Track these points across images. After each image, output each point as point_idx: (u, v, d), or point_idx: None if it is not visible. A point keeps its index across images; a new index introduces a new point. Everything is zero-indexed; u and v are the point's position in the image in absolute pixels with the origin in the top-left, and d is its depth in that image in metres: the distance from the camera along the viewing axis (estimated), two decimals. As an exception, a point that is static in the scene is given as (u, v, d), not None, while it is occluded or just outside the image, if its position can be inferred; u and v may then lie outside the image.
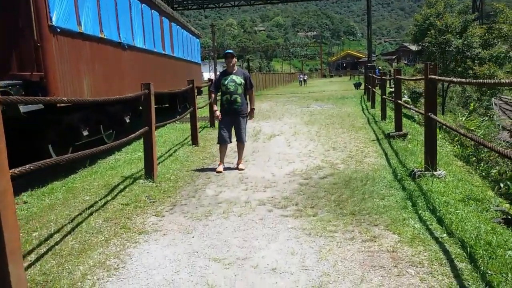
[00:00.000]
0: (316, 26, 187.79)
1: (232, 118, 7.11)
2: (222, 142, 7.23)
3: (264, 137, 10.54)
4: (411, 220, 4.35)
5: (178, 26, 16.46)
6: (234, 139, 7.33)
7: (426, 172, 5.85)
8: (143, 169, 6.75)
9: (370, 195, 5.27)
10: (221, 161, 7.30)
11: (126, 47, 9.86)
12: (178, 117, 10.15)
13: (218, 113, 7.19)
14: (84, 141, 7.88)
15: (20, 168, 3.25)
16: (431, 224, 4.22)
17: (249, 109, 7.20)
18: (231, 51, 7.34)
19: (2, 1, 6.08)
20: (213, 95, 7.45)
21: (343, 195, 5.33)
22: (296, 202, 5.19)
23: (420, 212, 4.57)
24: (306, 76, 60.24)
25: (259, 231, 4.30)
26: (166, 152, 9.06)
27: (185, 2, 40.37)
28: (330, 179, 6.18)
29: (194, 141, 10.01)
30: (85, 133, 7.72)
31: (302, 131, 11.20)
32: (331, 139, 9.74)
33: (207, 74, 62.45)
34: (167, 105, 17.11)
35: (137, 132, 6.42)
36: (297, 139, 10.06)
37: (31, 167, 3.43)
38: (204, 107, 13.69)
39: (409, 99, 20.62)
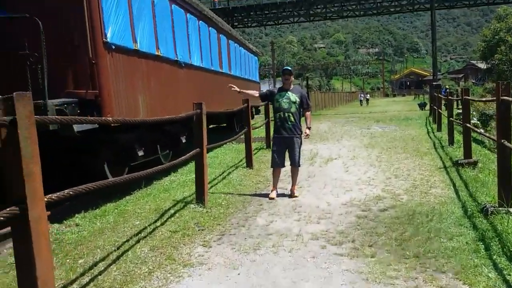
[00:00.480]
0: (378, 43, 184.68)
1: (285, 139, 6.83)
2: (275, 165, 6.95)
3: (321, 161, 10.14)
4: (485, 268, 3.81)
5: (236, 44, 16.51)
6: (288, 162, 7.02)
7: (500, 209, 5.20)
8: (195, 193, 6.59)
9: (436, 234, 4.74)
10: (274, 187, 7.00)
11: (183, 65, 9.88)
12: (233, 137, 10.01)
13: (236, 88, 7.53)
14: (140, 161, 7.87)
15: (58, 193, 3.12)
16: (509, 275, 3.66)
17: (304, 128, 6.90)
18: (289, 68, 7.13)
19: (58, 17, 6.19)
20: (256, 94, 7.68)
21: (405, 233, 4.84)
22: (352, 238, 4.76)
23: (494, 257, 4.00)
24: (368, 95, 58.94)
25: (310, 272, 3.92)
26: (220, 175, 8.90)
27: (245, 20, 40.94)
28: (391, 212, 5.68)
29: (249, 163, 9.80)
30: (141, 153, 7.71)
31: (362, 155, 10.68)
32: (393, 165, 9.16)
33: (265, 92, 62.41)
34: (225, 124, 17.15)
35: (187, 155, 6.28)
36: (355, 164, 9.57)
37: (70, 192, 3.30)
38: (261, 127, 13.51)
39: (478, 122, 19.38)
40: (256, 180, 8.47)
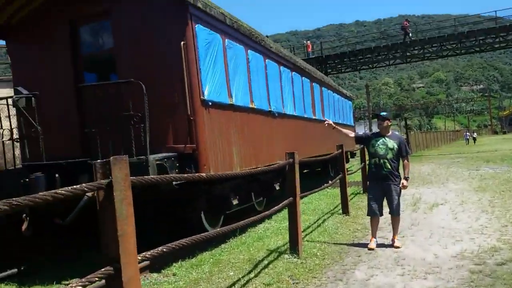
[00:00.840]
0: (482, 79, 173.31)
1: (382, 186, 6.45)
2: (372, 214, 6.56)
3: (425, 207, 9.42)
4: None
5: (329, 91, 16.48)
6: (386, 209, 6.59)
7: None
8: (289, 243, 6.42)
9: None
10: (373, 236, 6.57)
11: (276, 114, 9.99)
12: (328, 183, 9.76)
13: (331, 122, 7.43)
14: (234, 209, 7.94)
15: (151, 251, 3.17)
16: None
17: (402, 178, 6.45)
18: (384, 113, 6.81)
19: (161, 80, 6.60)
20: (351, 134, 7.44)
21: (531, 292, 4.18)
22: (466, 297, 4.22)
23: None
24: (475, 134, 54.98)
25: (417, 337, 3.50)
26: (315, 222, 8.64)
27: (338, 66, 41.02)
28: (511, 267, 4.99)
29: (345, 209, 9.43)
30: (235, 201, 7.79)
31: (471, 200, 9.75)
32: (509, 211, 8.20)
33: (362, 135, 61.09)
34: (319, 169, 16.91)
35: (280, 204, 6.18)
36: (465, 209, 8.73)
37: (164, 249, 3.34)
38: (357, 171, 13.07)
39: None
40: (353, 228, 8.08)
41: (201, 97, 6.65)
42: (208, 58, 6.96)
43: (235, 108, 7.81)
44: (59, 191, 2.60)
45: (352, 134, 7.39)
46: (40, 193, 2.53)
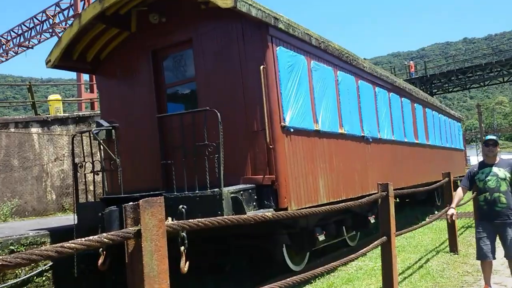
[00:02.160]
0: None
1: (495, 224, 5.20)
2: (482, 258, 5.32)
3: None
4: None
5: (434, 112, 14.90)
6: (500, 252, 5.31)
7: None
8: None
9: None
10: (487, 283, 5.32)
11: (371, 140, 9.00)
12: (433, 214, 8.48)
13: (452, 211, 5.62)
14: (319, 246, 7.10)
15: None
16: None
17: None
18: (493, 137, 5.54)
19: (239, 106, 6.12)
20: (461, 192, 5.66)
21: None
22: None
23: None
24: None
25: None
26: (416, 262, 7.44)
27: (445, 86, 37.94)
28: None
29: (453, 247, 8.06)
30: (322, 237, 6.95)
31: None
32: None
33: (475, 159, 56.15)
34: (423, 197, 15.24)
35: (371, 245, 5.25)
36: None
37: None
38: (468, 202, 11.39)
39: None
40: (462, 270, 6.76)
41: (282, 123, 6.02)
42: (291, 82, 6.34)
43: (321, 134, 7.05)
44: (70, 244, 2.09)
45: (461, 192, 5.72)
46: (52, 246, 2.05)
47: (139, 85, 6.92)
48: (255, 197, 5.85)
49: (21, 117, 11.42)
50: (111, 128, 5.80)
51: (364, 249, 5.16)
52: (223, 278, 7.14)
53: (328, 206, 4.56)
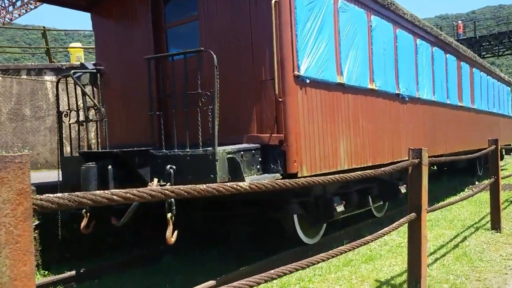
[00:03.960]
0: None
1: None
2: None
3: None
4: None
5: (482, 73, 13.17)
6: None
7: None
8: (407, 275, 4.42)
9: None
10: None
11: (407, 99, 7.70)
12: (474, 184, 7.25)
13: None
14: (338, 217, 6.06)
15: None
16: None
17: None
18: None
19: (245, 50, 5.02)
20: None
21: None
22: None
23: None
24: None
25: None
26: (451, 240, 6.32)
27: (495, 49, 34.77)
28: None
29: (495, 223, 6.85)
30: (340, 208, 5.89)
31: None
32: None
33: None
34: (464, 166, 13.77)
35: (395, 223, 4.18)
36: None
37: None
38: (513, 174, 9.98)
39: None
40: (506, 252, 5.64)
41: (296, 72, 4.88)
42: (310, 22, 5.13)
43: (346, 88, 5.86)
44: None
45: None
46: None
47: (137, 25, 5.88)
48: (260, 159, 4.84)
49: (33, 64, 10.74)
50: (95, 71, 4.87)
51: (388, 227, 4.11)
52: (226, 248, 6.28)
53: (346, 174, 3.47)
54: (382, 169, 3.97)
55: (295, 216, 5.71)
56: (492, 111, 14.37)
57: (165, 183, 4.40)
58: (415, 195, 4.38)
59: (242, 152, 4.60)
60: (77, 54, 12.64)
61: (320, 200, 5.83)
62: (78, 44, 13.53)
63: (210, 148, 4.26)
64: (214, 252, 6.16)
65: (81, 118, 5.32)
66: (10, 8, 25.27)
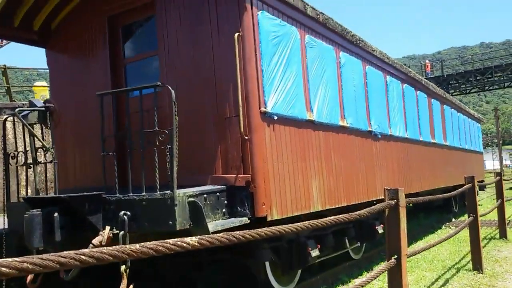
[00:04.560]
0: None
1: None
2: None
3: None
4: None
5: (452, 109, 13.29)
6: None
7: None
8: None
9: None
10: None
11: (379, 136, 7.51)
12: (451, 232, 7.00)
13: None
14: (313, 262, 5.64)
15: None
16: None
17: None
18: None
19: (208, 86, 4.72)
20: None
21: None
22: None
23: None
24: None
25: None
26: (432, 284, 5.97)
27: (462, 87, 35.88)
28: None
29: (476, 264, 6.56)
30: (315, 252, 5.49)
31: None
32: None
33: (490, 163, 53.88)
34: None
35: (375, 271, 3.81)
36: None
37: None
38: (492, 211, 9.79)
39: None
40: (490, 296, 5.31)
41: (262, 108, 4.59)
42: (277, 57, 4.90)
43: (316, 125, 5.60)
44: None
45: None
46: None
47: (93, 60, 5.54)
48: (225, 202, 4.44)
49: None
50: (43, 109, 4.46)
51: (366, 277, 3.74)
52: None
53: (319, 220, 3.12)
54: (358, 212, 3.65)
55: (266, 263, 5.27)
56: (464, 148, 14.43)
57: (118, 231, 3.94)
58: (393, 239, 4.05)
59: (205, 195, 4.20)
60: (42, 93, 12.16)
61: (294, 244, 5.43)
62: (43, 83, 13.09)
63: (169, 191, 3.85)
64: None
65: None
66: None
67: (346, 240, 7.02)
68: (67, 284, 4.74)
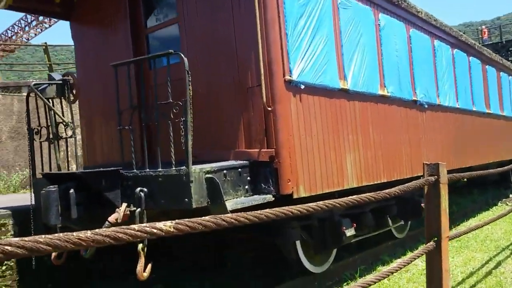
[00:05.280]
0: None
1: None
2: None
3: None
4: None
5: (510, 77, 12.09)
6: None
7: None
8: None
9: None
10: None
11: (426, 106, 6.84)
12: (507, 204, 6.31)
13: None
14: (348, 242, 5.23)
15: None
16: None
17: None
18: None
19: (227, 53, 4.34)
20: None
21: None
22: None
23: None
24: None
25: None
26: (483, 266, 5.41)
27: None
28: None
29: (536, 245, 5.92)
30: (350, 232, 5.06)
31: None
32: None
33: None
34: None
35: (408, 255, 3.36)
36: None
37: None
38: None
39: None
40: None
41: (287, 77, 4.16)
42: (304, 20, 4.42)
43: (351, 95, 5.09)
44: None
45: None
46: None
47: (116, 32, 5.30)
48: (248, 178, 4.11)
49: (33, 80, 10.39)
50: (61, 83, 4.29)
51: (398, 262, 3.30)
52: (225, 277, 5.53)
53: (351, 197, 2.74)
54: (393, 189, 3.19)
55: (297, 242, 4.93)
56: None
57: (135, 209, 3.73)
58: (432, 220, 3.57)
59: (225, 171, 3.88)
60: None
61: (327, 223, 5.04)
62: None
63: (184, 167, 3.57)
64: (210, 281, 5.41)
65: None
66: (27, 28, 25.74)
67: (388, 219, 6.54)
68: (88, 260, 4.66)
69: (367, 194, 2.87)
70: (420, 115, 6.70)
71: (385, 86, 5.76)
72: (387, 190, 3.10)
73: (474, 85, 9.05)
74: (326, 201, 2.52)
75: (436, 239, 3.50)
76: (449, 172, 3.80)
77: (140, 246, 3.62)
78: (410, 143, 6.37)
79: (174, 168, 3.62)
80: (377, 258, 6.22)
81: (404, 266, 3.35)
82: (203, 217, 1.78)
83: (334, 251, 5.45)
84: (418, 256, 3.47)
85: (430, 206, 3.55)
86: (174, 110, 3.66)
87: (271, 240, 4.90)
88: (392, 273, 3.26)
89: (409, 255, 3.37)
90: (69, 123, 4.30)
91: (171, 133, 3.64)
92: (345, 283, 5.24)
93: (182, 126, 3.59)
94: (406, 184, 3.32)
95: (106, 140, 5.38)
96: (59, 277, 5.43)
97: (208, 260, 5.69)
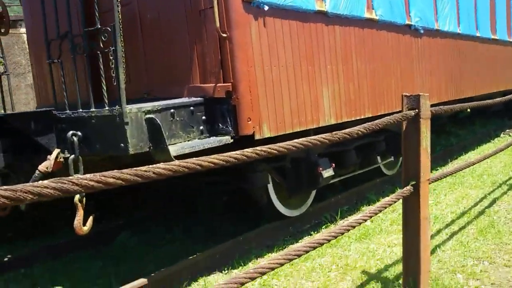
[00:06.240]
0: None
1: None
2: None
3: None
4: None
5: (522, -1, 10.92)
6: None
7: None
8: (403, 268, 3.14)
9: None
10: None
11: (422, 31, 6.03)
12: (509, 135, 5.71)
13: None
14: (326, 183, 4.70)
15: None
16: None
17: None
18: None
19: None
20: None
21: None
22: None
23: None
24: None
25: None
26: (476, 204, 4.94)
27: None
28: None
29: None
30: (327, 173, 4.52)
31: None
32: None
33: None
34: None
35: (389, 198, 2.82)
36: None
37: None
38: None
39: None
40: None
41: (245, -5, 3.41)
42: None
43: (330, 19, 4.31)
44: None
45: None
46: None
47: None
48: (204, 118, 3.51)
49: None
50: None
51: (369, 210, 2.77)
52: (194, 222, 5.12)
53: (323, 135, 2.16)
54: (362, 126, 2.58)
55: (269, 186, 4.43)
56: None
57: (69, 156, 3.19)
58: (410, 161, 2.98)
59: (172, 110, 3.27)
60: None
61: (302, 164, 4.49)
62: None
63: (116, 107, 2.97)
64: (178, 227, 5.01)
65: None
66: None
67: (377, 155, 6.00)
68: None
69: (337, 132, 2.29)
70: (414, 42, 5.90)
71: (373, 8, 4.94)
72: (356, 127, 2.49)
73: (479, 8, 8.06)
74: (294, 140, 2.01)
75: (414, 182, 2.95)
76: (448, 103, 3.17)
77: (77, 197, 3.13)
78: (401, 74, 5.64)
79: (107, 108, 3.03)
80: (363, 197, 5.76)
81: (385, 208, 2.83)
82: (157, 165, 1.28)
83: (313, 193, 4.97)
84: (395, 201, 2.94)
85: (408, 145, 2.96)
86: (103, 38, 2.99)
87: (239, 185, 4.40)
88: (372, 216, 2.75)
89: (386, 199, 2.83)
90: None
91: (101, 65, 3.00)
92: (324, 226, 4.82)
93: (111, 57, 2.94)
94: (378, 120, 2.70)
95: (57, 77, 4.75)
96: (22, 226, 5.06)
97: (177, 206, 5.26)
